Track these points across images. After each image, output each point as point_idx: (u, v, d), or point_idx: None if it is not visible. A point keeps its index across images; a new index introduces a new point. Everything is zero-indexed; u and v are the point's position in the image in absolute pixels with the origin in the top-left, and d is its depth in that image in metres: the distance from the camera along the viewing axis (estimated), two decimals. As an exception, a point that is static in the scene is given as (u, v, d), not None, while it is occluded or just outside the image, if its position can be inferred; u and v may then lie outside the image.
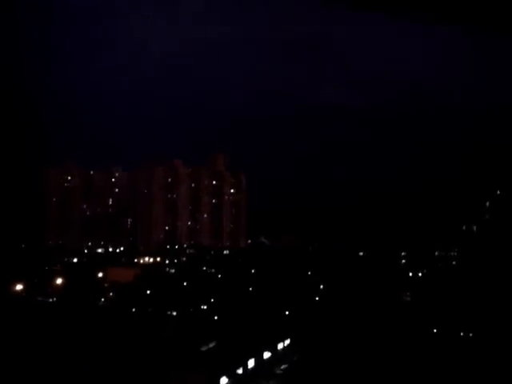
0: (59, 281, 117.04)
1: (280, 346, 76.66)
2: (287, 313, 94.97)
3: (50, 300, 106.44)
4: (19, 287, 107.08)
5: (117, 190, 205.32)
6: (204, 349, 70.37)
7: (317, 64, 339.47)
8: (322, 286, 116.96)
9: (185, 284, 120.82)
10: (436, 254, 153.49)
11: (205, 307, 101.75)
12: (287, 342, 78.17)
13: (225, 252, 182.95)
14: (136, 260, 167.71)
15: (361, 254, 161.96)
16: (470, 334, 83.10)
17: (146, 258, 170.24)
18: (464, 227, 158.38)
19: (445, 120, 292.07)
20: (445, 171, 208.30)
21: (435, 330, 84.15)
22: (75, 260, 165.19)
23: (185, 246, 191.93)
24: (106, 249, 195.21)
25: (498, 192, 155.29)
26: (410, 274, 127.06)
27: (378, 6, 4.27)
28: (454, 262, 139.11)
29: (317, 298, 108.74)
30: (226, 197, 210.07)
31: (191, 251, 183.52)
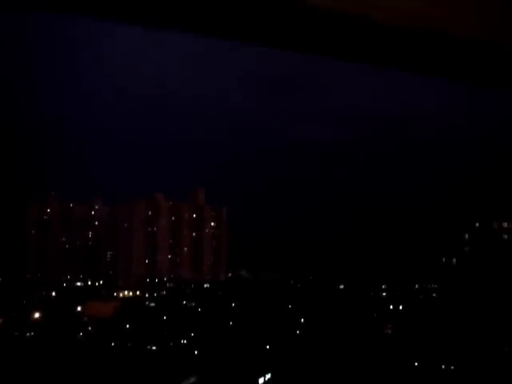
0: (37, 315, 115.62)
1: (261, 380, 76.15)
2: (268, 347, 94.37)
3: (28, 335, 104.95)
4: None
5: (97, 222, 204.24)
6: (184, 383, 69.76)
7: (296, 100, 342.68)
8: (302, 320, 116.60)
9: (165, 318, 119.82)
10: (416, 286, 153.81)
11: (185, 341, 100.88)
12: (268, 376, 77.64)
13: (205, 285, 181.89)
14: (116, 294, 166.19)
15: (341, 287, 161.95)
16: (452, 367, 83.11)
17: (126, 292, 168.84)
18: (443, 260, 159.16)
19: (423, 154, 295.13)
20: (423, 204, 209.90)
21: (416, 363, 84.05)
22: (54, 294, 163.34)
23: (165, 279, 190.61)
24: (85, 282, 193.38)
25: (477, 225, 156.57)
26: (391, 307, 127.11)
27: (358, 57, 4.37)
28: (434, 295, 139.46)
29: (297, 332, 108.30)
30: (207, 230, 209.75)
31: (171, 285, 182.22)
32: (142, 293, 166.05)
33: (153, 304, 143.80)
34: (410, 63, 4.75)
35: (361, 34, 4.23)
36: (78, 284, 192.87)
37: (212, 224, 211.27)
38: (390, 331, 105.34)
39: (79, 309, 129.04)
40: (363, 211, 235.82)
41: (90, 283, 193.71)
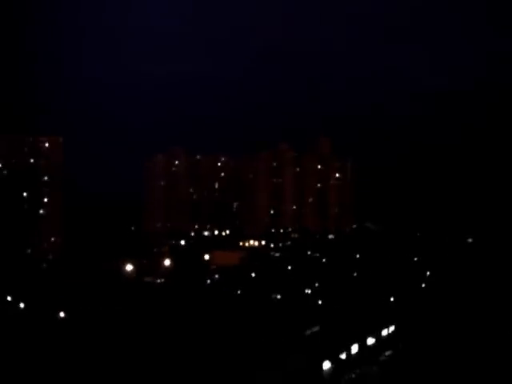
0: (167, 262, 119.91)
1: (385, 332, 75.61)
2: (392, 299, 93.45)
3: (158, 281, 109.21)
4: (130, 268, 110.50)
5: (223, 174, 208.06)
6: (308, 333, 70.35)
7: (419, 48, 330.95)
8: (428, 273, 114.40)
9: (289, 268, 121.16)
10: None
11: (309, 291, 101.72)
12: (392, 328, 76.98)
13: (330, 236, 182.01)
14: (241, 243, 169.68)
15: (469, 240, 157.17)
16: None
17: (251, 242, 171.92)
18: None
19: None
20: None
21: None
22: (182, 242, 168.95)
23: (289, 229, 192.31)
24: (212, 232, 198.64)
25: None
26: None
27: None
28: None
29: (423, 285, 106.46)
30: (331, 181, 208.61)
31: (296, 235, 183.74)
32: (267, 243, 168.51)
33: (277, 254, 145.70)
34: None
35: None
36: (206, 233, 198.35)
37: (337, 175, 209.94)
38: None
39: (207, 257, 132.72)
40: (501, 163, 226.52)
41: (216, 233, 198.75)
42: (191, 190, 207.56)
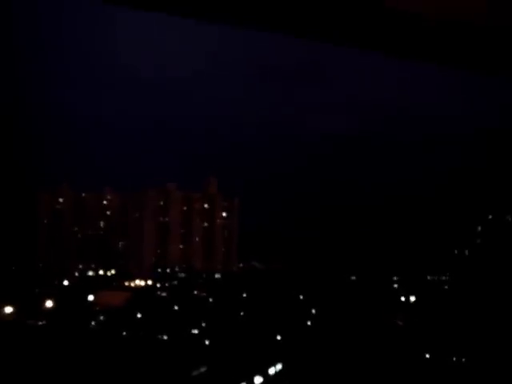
0: (49, 304, 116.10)
1: (271, 370, 76.13)
2: (279, 337, 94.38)
3: (40, 323, 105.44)
4: (8, 310, 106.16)
5: (108, 212, 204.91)
6: (195, 373, 69.81)
7: (307, 92, 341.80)
8: (313, 311, 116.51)
9: (176, 308, 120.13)
10: (428, 278, 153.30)
11: (196, 331, 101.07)
12: (279, 366, 77.64)
13: (216, 275, 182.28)
14: (127, 283, 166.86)
15: (353, 278, 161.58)
16: (463, 359, 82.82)
17: (138, 281, 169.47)
18: (456, 251, 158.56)
19: (433, 147, 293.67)
20: (436, 196, 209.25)
21: (428, 355, 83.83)
22: (66, 283, 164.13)
23: (176, 269, 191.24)
24: (97, 272, 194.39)
25: (490, 217, 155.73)
26: (403, 299, 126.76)
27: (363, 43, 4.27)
28: (446, 287, 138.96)
29: (309, 323, 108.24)
30: (218, 220, 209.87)
31: (182, 274, 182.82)
32: (154, 282, 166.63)
33: (164, 294, 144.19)
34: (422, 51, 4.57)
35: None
36: (90, 273, 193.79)
37: (224, 214, 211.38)
38: (401, 323, 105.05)
39: (91, 298, 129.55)
40: (376, 202, 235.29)
41: (101, 273, 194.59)
42: (76, 229, 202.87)
